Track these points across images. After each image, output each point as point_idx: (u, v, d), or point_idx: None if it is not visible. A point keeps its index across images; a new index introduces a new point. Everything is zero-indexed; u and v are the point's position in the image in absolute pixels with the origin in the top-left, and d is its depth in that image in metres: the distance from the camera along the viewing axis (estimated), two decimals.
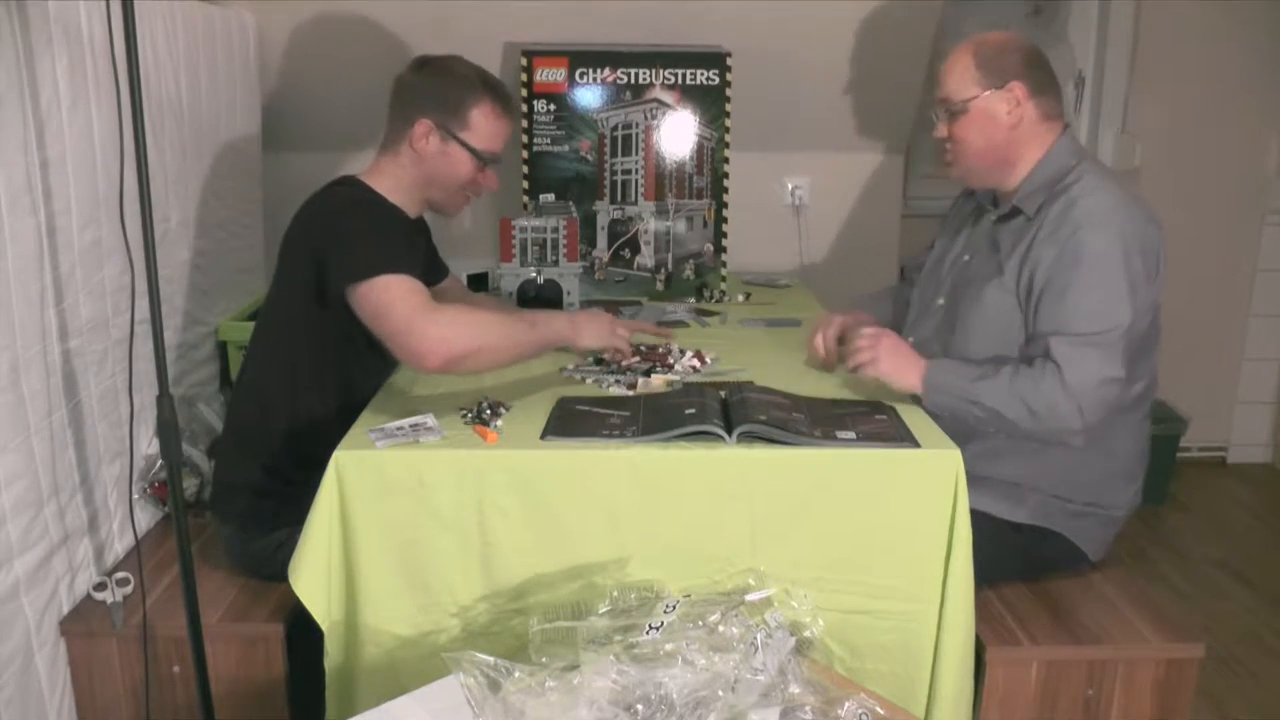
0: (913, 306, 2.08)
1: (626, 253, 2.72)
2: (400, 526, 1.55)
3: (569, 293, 2.41)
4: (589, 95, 2.63)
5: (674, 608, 1.33)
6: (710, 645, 1.26)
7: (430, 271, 2.17)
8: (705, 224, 2.73)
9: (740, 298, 2.67)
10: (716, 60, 2.61)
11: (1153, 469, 1.97)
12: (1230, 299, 3.58)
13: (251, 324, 2.02)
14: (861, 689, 1.29)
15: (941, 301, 1.97)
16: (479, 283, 2.78)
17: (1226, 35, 3.34)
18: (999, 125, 1.82)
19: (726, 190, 2.71)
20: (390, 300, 1.66)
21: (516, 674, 1.20)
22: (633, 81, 2.62)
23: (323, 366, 1.84)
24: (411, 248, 1.88)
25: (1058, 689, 1.75)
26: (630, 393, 1.80)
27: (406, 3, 2.64)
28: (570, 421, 1.63)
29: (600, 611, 1.43)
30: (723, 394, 1.73)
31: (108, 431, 1.90)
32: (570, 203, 2.66)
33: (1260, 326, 3.63)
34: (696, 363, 1.96)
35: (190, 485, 2.15)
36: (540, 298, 2.38)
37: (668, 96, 2.64)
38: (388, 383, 1.86)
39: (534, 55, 2.60)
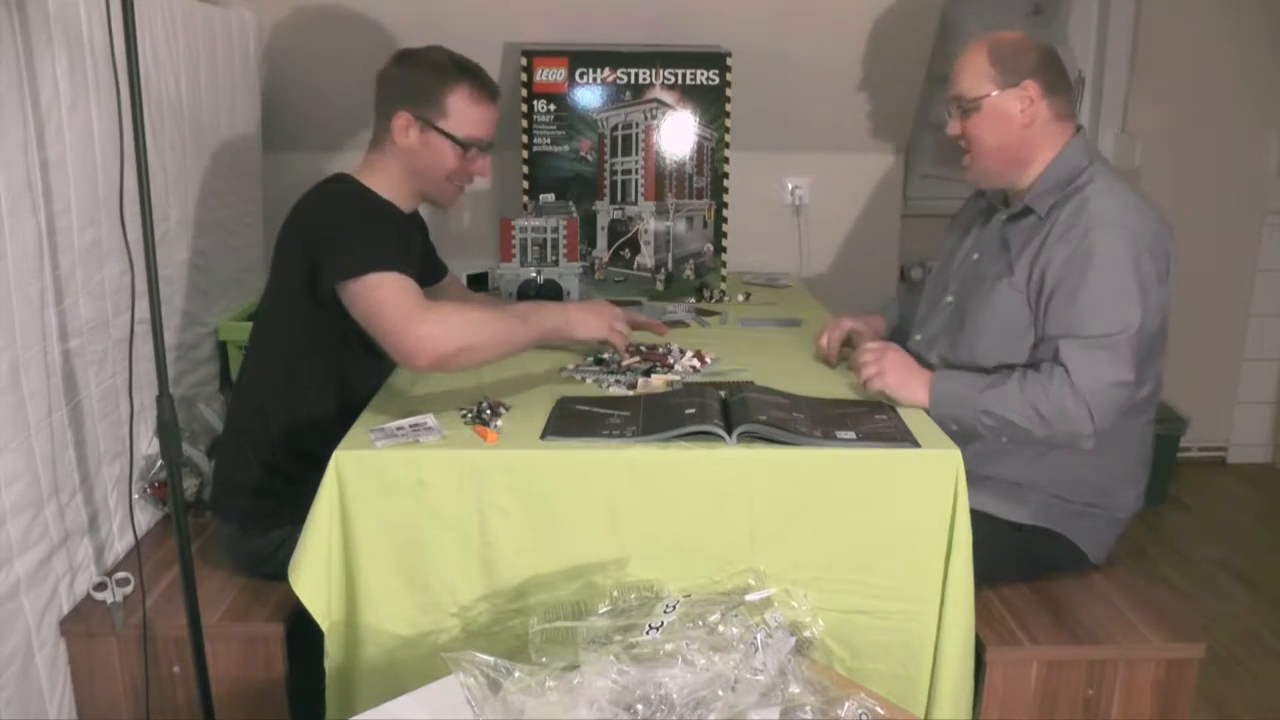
0: (921, 303, 2.09)
1: (626, 253, 2.72)
2: (400, 526, 1.55)
3: (569, 293, 2.41)
4: (589, 95, 2.63)
5: (674, 608, 1.33)
6: (710, 645, 1.26)
7: (426, 269, 2.17)
8: (705, 224, 2.73)
9: (740, 298, 2.67)
10: (716, 60, 2.61)
11: (1153, 469, 1.97)
12: (1230, 299, 3.58)
13: (251, 324, 2.02)
14: (861, 689, 1.29)
15: (950, 299, 1.97)
16: (479, 283, 2.78)
17: (1226, 35, 3.34)
18: (1012, 124, 1.82)
19: (726, 190, 2.71)
20: (381, 299, 1.65)
21: (516, 674, 1.20)
22: (633, 81, 2.62)
23: (319, 364, 1.84)
24: (404, 245, 1.87)
25: (1058, 689, 1.75)
26: (630, 393, 1.80)
27: (406, 3, 2.64)
28: (570, 421, 1.63)
29: (600, 611, 1.43)
30: (723, 394, 1.73)
31: (108, 431, 1.90)
32: (570, 203, 2.66)
33: (1260, 326, 3.63)
34: (696, 363, 1.96)
35: (190, 485, 2.15)
36: (540, 298, 2.38)
37: (668, 96, 2.63)
38: (387, 383, 1.86)
39: (534, 55, 2.60)
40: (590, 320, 1.84)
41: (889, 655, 1.60)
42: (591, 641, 1.27)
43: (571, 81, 2.62)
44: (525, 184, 2.68)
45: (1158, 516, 3.26)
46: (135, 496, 1.98)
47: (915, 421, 1.66)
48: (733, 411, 1.63)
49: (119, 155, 1.55)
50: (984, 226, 1.98)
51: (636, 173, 2.68)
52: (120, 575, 1.82)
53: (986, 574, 1.66)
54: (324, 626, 1.57)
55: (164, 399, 1.58)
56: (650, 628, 1.29)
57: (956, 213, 2.14)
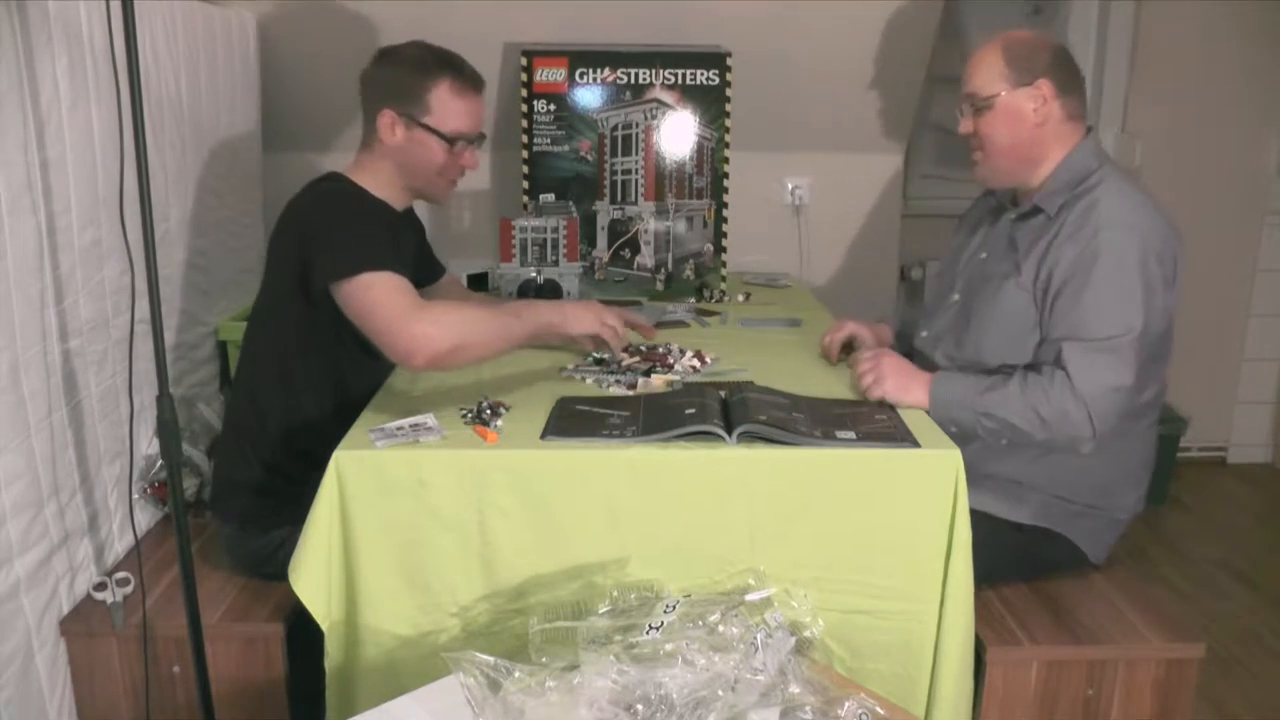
0: (928, 301, 2.09)
1: (626, 253, 2.72)
2: (400, 526, 1.55)
3: (569, 293, 2.41)
4: (589, 95, 2.63)
5: (674, 608, 1.33)
6: (710, 645, 1.26)
7: (423, 268, 2.16)
8: (705, 224, 2.73)
9: (740, 298, 2.67)
10: (716, 60, 2.61)
11: (1153, 469, 1.97)
12: (1230, 299, 3.58)
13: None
14: (861, 689, 1.29)
15: (956, 297, 1.97)
16: (479, 283, 2.78)
17: (1226, 35, 3.34)
18: (1025, 122, 1.82)
19: (726, 190, 2.71)
20: (374, 299, 1.65)
21: (516, 674, 1.20)
22: (633, 81, 2.62)
23: (314, 364, 1.84)
24: (397, 243, 1.87)
25: (1058, 689, 1.75)
26: (630, 393, 1.80)
27: (406, 3, 2.64)
28: (570, 421, 1.63)
29: (600, 611, 1.43)
30: (723, 394, 1.73)
31: (108, 431, 1.90)
32: (570, 203, 2.66)
33: (1260, 326, 3.63)
34: (696, 363, 1.96)
35: (190, 485, 2.15)
36: (540, 299, 2.38)
37: (668, 96, 2.63)
38: (387, 383, 1.86)
39: (534, 55, 2.60)
40: (584, 316, 1.85)
41: (889, 655, 1.60)
42: (591, 641, 1.27)
43: (571, 81, 2.62)
44: (525, 184, 2.68)
45: (1158, 516, 3.25)
46: (135, 496, 1.98)
47: (915, 421, 1.66)
48: (733, 411, 1.63)
49: (119, 155, 1.55)
50: (993, 225, 1.98)
51: (636, 173, 2.68)
52: (120, 575, 1.82)
53: (986, 574, 1.66)
54: (324, 626, 1.57)
55: (164, 399, 1.58)
56: (650, 628, 1.29)
57: (965, 211, 2.15)
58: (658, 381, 1.85)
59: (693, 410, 1.61)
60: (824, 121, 3.02)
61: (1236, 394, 3.69)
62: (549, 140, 2.65)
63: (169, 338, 2.18)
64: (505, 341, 1.73)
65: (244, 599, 1.85)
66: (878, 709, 1.22)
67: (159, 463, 2.02)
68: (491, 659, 1.21)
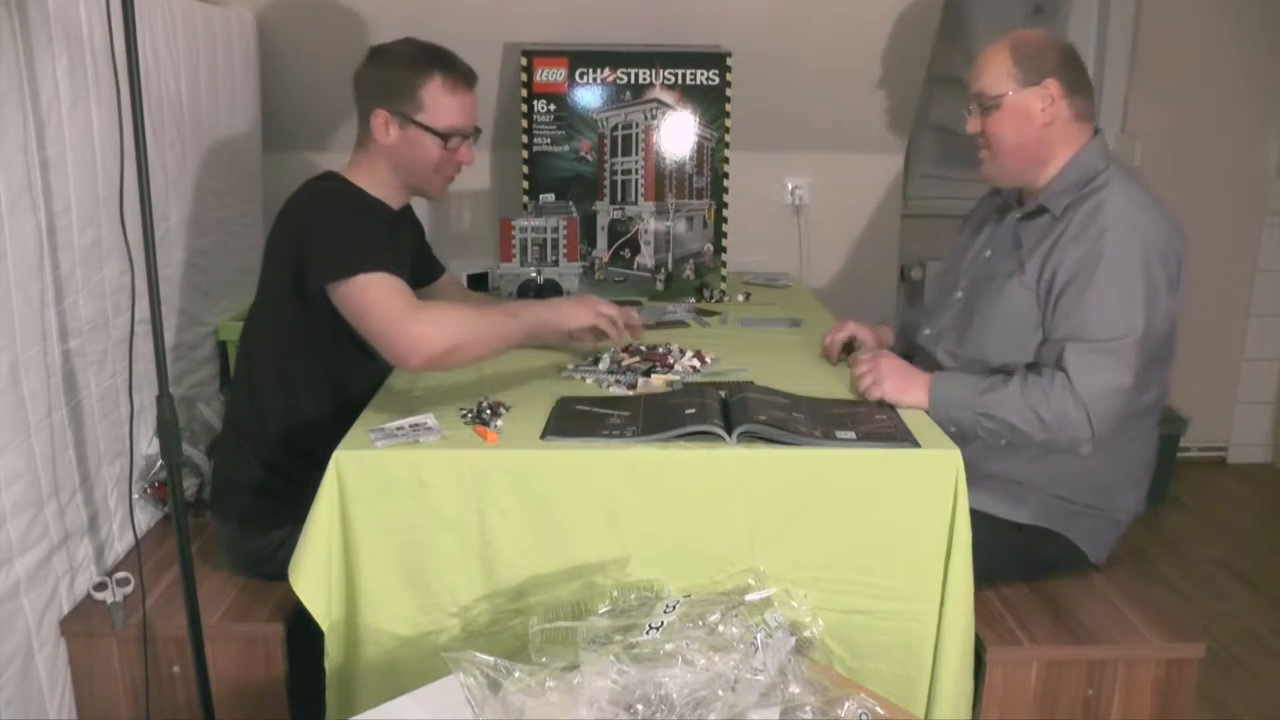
0: (930, 299, 2.09)
1: (626, 253, 2.72)
2: (400, 526, 1.55)
3: (569, 293, 2.40)
4: (589, 95, 2.63)
5: (674, 608, 1.33)
6: (710, 645, 1.26)
7: (421, 267, 2.16)
8: (705, 224, 2.73)
9: (740, 298, 2.67)
10: (716, 60, 2.61)
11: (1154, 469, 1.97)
12: (1230, 299, 3.58)
13: None
14: (861, 689, 1.29)
15: (960, 295, 1.97)
16: (479, 283, 2.78)
17: (1226, 35, 3.34)
18: (1032, 122, 1.82)
19: (726, 190, 2.71)
20: (370, 300, 1.65)
21: (516, 674, 1.20)
22: (633, 81, 2.62)
23: (312, 364, 1.84)
24: (394, 243, 1.86)
25: (1058, 689, 1.75)
26: (630, 393, 1.80)
27: (406, 2, 2.64)
28: (570, 421, 1.63)
29: (600, 611, 1.43)
30: (723, 394, 1.73)
31: (108, 431, 1.90)
32: (570, 203, 2.66)
33: (1260, 326, 3.63)
34: (696, 363, 1.96)
35: (190, 485, 2.15)
36: (540, 299, 2.38)
37: (668, 96, 2.63)
38: (387, 383, 1.86)
39: (534, 55, 2.60)
40: (578, 309, 1.85)
41: (889, 655, 1.60)
42: (591, 641, 1.27)
43: (571, 81, 2.62)
44: (525, 184, 2.68)
45: (1158, 517, 3.25)
46: (135, 496, 1.98)
47: (915, 422, 1.66)
48: (733, 411, 1.63)
49: (119, 155, 1.55)
50: (997, 224, 1.98)
51: (636, 173, 2.68)
52: (120, 575, 1.82)
53: (986, 574, 1.66)
54: (324, 626, 1.57)
55: (164, 399, 1.58)
56: (650, 628, 1.29)
57: (970, 210, 2.15)
58: (658, 381, 1.85)
59: (693, 410, 1.61)
60: (824, 121, 3.02)
61: (1236, 394, 3.69)
62: (549, 140, 2.65)
63: (169, 338, 2.18)
64: (502, 341, 1.73)
65: (244, 599, 1.85)
66: (878, 709, 1.22)
67: (159, 463, 2.02)
68: (491, 659, 1.21)
